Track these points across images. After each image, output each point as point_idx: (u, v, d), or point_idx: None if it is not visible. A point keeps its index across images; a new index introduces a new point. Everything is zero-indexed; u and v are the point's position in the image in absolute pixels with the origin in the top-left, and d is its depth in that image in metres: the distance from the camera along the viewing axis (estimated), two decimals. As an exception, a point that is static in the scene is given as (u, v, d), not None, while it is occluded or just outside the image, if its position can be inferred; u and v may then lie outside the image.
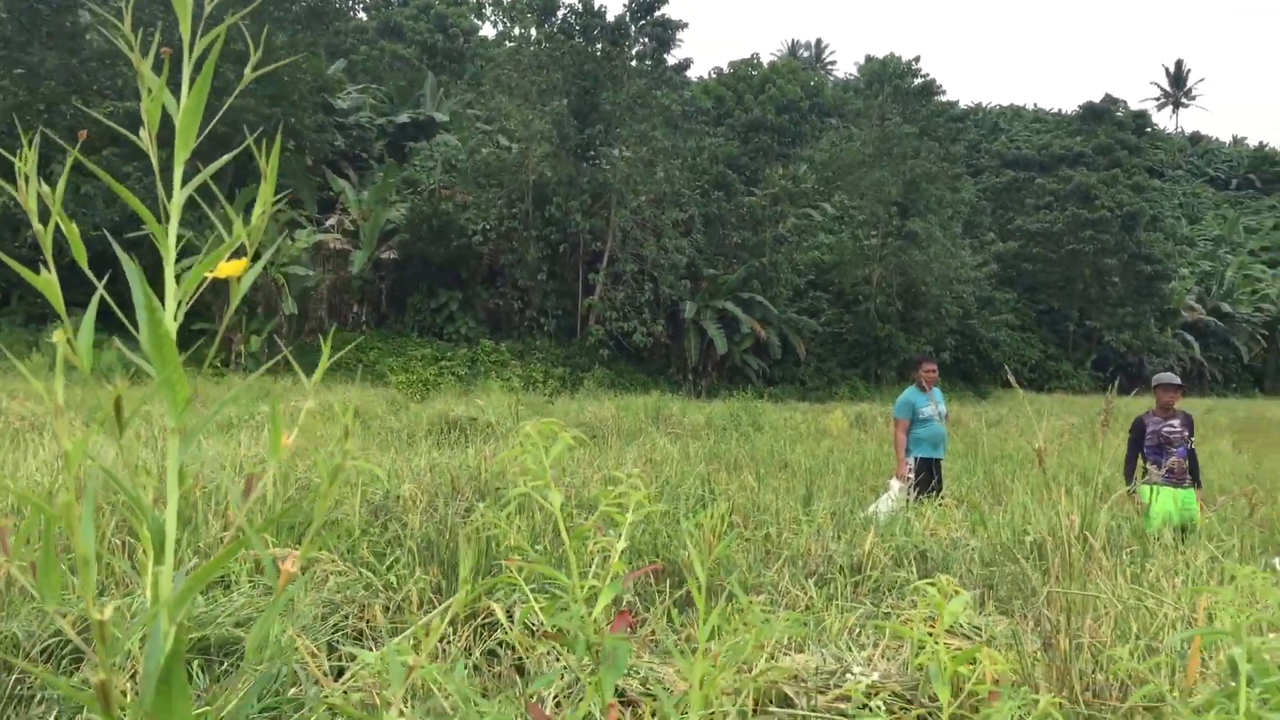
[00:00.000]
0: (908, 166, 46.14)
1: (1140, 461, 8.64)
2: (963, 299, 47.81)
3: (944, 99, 60.37)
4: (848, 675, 3.33)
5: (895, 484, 9.73)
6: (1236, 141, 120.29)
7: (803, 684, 3.28)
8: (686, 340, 40.82)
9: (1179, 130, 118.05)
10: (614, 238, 39.57)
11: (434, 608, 4.46)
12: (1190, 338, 60.05)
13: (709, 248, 43.47)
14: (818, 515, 7.26)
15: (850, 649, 3.67)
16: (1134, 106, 73.68)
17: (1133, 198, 56.25)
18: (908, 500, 9.19)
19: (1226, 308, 62.70)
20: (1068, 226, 54.51)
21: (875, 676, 3.25)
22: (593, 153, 40.73)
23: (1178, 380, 8.62)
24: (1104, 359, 57.16)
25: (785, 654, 3.81)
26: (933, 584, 1.76)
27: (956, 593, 1.74)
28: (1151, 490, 8.28)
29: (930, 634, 3.21)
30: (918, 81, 57.54)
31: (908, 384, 10.51)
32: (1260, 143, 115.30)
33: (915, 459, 10.00)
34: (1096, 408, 32.62)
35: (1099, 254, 54.69)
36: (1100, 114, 65.30)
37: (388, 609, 4.40)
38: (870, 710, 2.16)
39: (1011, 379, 4.70)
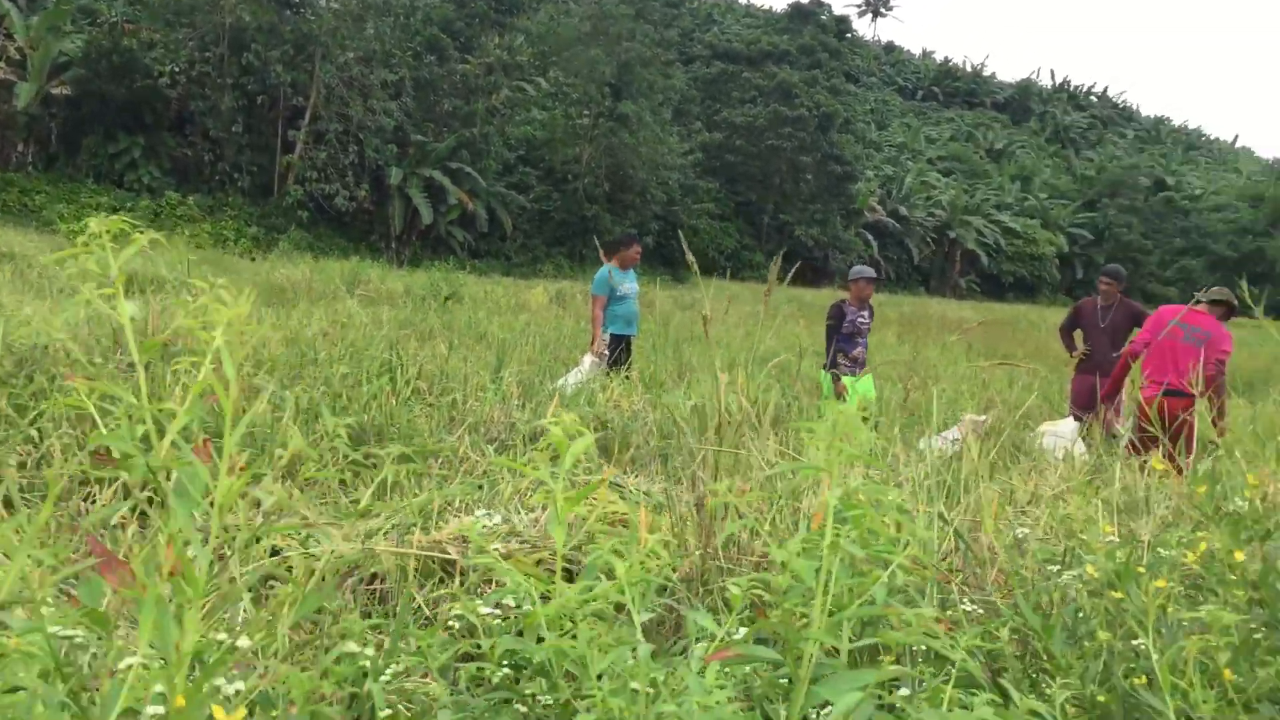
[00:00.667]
0: (622, 48, 46.26)
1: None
2: (668, 185, 48.95)
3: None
4: (511, 536, 3.36)
5: (588, 358, 9.87)
6: (926, 54, 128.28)
7: (466, 544, 3.28)
8: (391, 207, 39.71)
9: (876, 38, 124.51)
10: (318, 94, 37.59)
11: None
12: (870, 237, 64.30)
13: (419, 113, 42.14)
14: (506, 384, 7.28)
15: (519, 511, 3.71)
16: (838, 11, 76.81)
17: (829, 100, 59.02)
18: (604, 374, 9.37)
19: (904, 211, 67.47)
20: (769, 122, 56.59)
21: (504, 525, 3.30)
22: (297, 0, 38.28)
23: (874, 273, 9.11)
24: (794, 252, 60.29)
25: (455, 516, 3.80)
26: (556, 423, 1.74)
27: (580, 434, 1.73)
28: (833, 377, 8.80)
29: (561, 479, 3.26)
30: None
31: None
32: (946, 57, 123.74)
33: (609, 335, 10.18)
34: (785, 296, 34.56)
35: (796, 151, 57.22)
36: (807, 14, 67.65)
37: (24, 464, 4.05)
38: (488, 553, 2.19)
39: (691, 261, 4.81)
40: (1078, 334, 9.60)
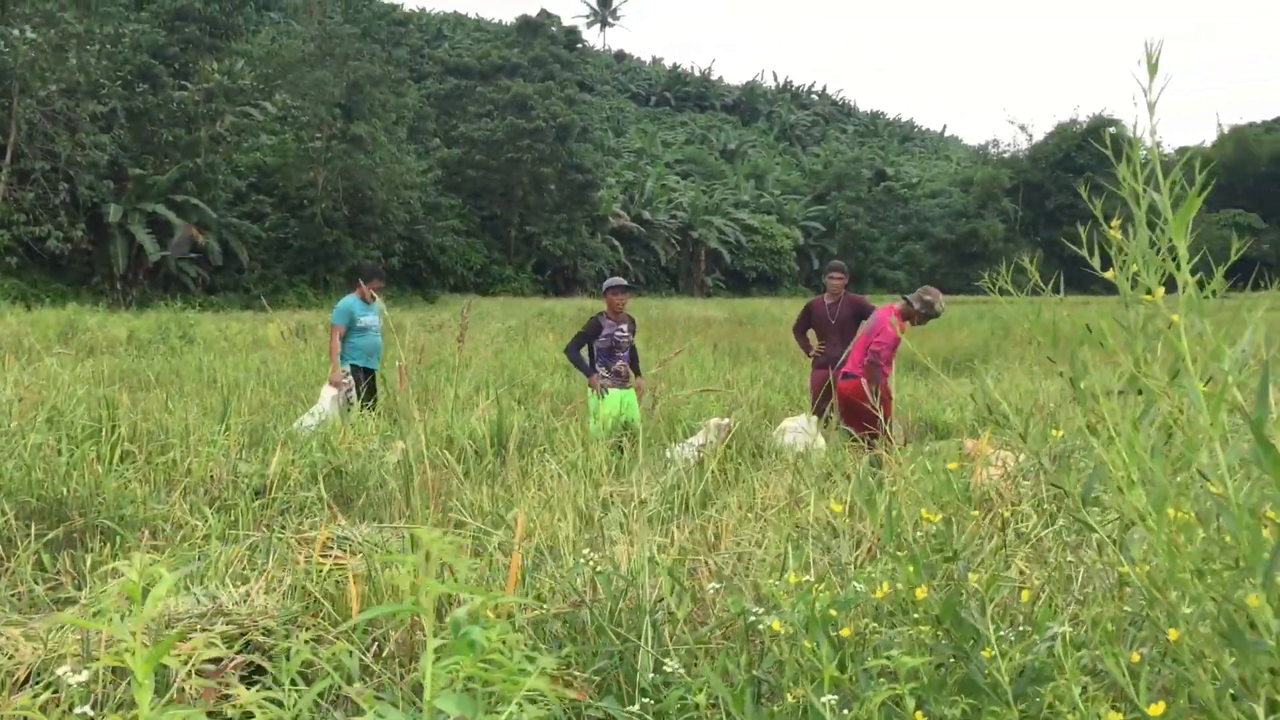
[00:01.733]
0: (350, 68, 45.12)
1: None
2: (410, 205, 48.09)
3: (386, 1, 59.50)
4: (219, 617, 3.08)
5: (327, 392, 9.44)
6: (655, 61, 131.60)
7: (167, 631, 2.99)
8: (112, 247, 37.22)
9: (606, 48, 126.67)
10: (18, 131, 34.78)
11: None
12: (617, 242, 65.31)
13: (135, 145, 39.68)
14: (232, 434, 6.85)
15: (228, 585, 3.42)
16: (566, 23, 77.55)
17: (565, 110, 59.55)
18: (347, 409, 8.97)
19: (647, 215, 68.91)
20: (507, 135, 56.54)
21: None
22: (-14, 32, 35.31)
23: (626, 283, 9.02)
24: (543, 262, 60.51)
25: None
26: (130, 566, 1.54)
27: (160, 577, 1.52)
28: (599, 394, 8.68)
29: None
30: (358, -20, 56.14)
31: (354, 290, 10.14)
32: (675, 63, 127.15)
33: (349, 367, 9.80)
34: (536, 309, 34.44)
35: (536, 163, 57.42)
36: (536, 27, 67.98)
37: None
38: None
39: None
40: (811, 332, 9.92)
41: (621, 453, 7.25)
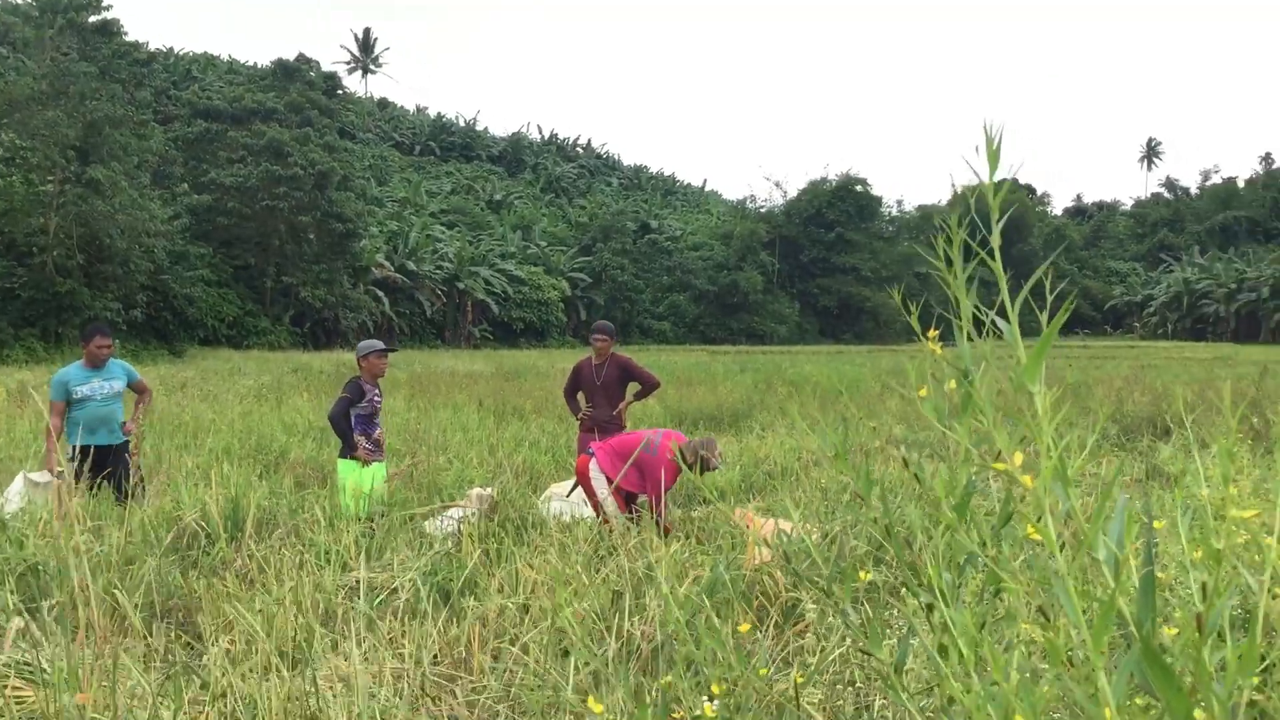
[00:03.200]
0: (88, 108, 42.18)
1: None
2: (154, 253, 45.24)
3: (128, 39, 56.22)
4: None
5: (18, 481, 8.27)
6: (420, 110, 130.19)
7: None
8: None
9: (369, 95, 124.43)
10: None
11: None
12: (381, 293, 63.65)
13: None
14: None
15: None
16: (326, 68, 75.63)
17: (325, 157, 57.75)
18: (79, 489, 7.85)
19: (412, 265, 67.54)
20: (262, 182, 54.27)
21: None
22: None
23: (384, 345, 8.21)
24: (302, 314, 58.21)
25: None
26: None
27: None
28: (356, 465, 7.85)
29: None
30: (96, 18, 52.79)
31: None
32: (439, 113, 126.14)
33: (75, 447, 8.64)
34: (293, 363, 32.86)
35: (294, 211, 55.32)
36: (293, 72, 65.95)
37: None
38: None
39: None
40: (580, 394, 9.58)
41: (373, 533, 6.62)
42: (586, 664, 3.59)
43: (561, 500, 8.05)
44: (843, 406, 16.06)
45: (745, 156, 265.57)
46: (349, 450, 7.65)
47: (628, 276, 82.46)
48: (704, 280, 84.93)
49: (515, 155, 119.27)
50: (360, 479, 7.58)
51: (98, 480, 8.10)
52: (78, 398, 8.53)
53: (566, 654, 3.96)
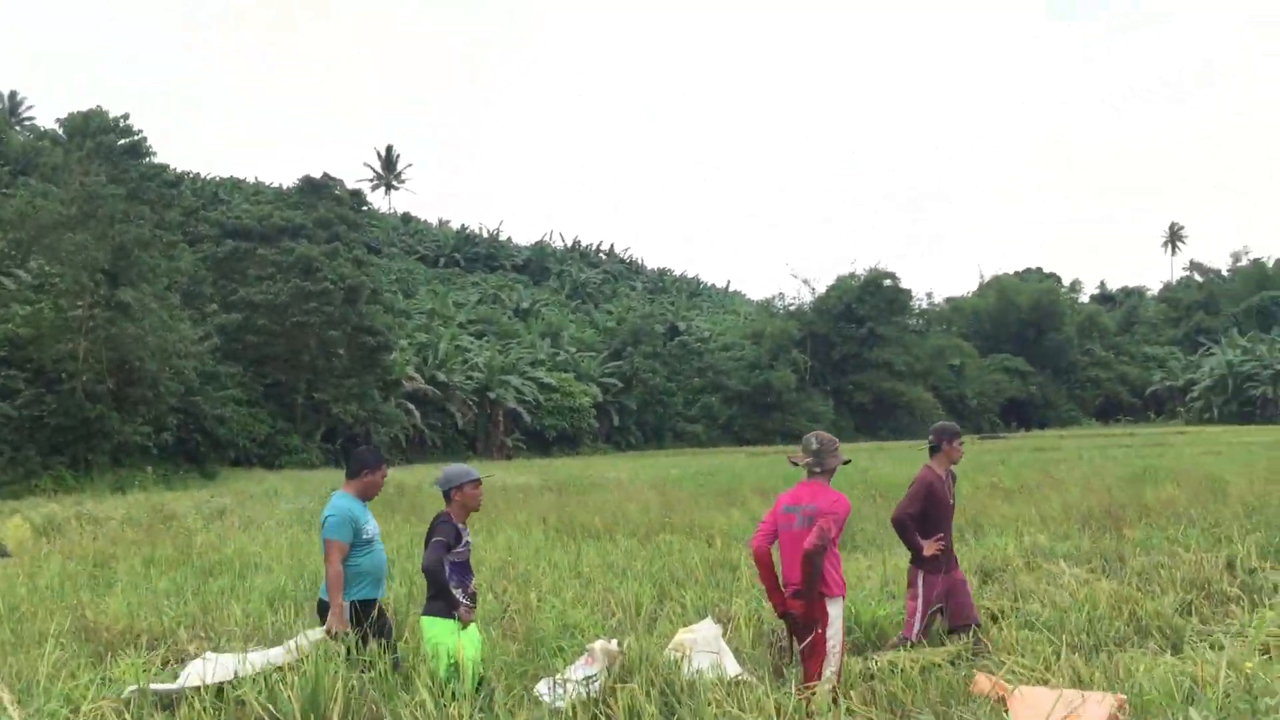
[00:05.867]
0: (116, 230, 41.73)
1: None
2: (184, 374, 44.38)
3: (155, 160, 56.35)
4: None
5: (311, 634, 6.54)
6: (442, 223, 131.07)
7: None
8: None
9: (392, 210, 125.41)
10: None
11: None
12: (412, 406, 62.65)
13: None
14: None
15: None
16: (350, 185, 75.91)
17: (354, 271, 57.31)
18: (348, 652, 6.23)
19: (442, 376, 66.65)
20: (292, 298, 53.70)
21: None
22: None
23: (476, 473, 6.58)
24: (333, 430, 57.14)
25: None
26: None
27: None
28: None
29: None
30: (125, 140, 52.97)
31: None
32: (463, 224, 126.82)
33: (350, 602, 6.45)
34: (330, 484, 31.38)
35: (324, 326, 54.64)
36: (319, 189, 66.02)
37: None
38: None
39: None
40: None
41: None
42: None
43: (703, 652, 6.59)
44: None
45: (768, 255, 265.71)
46: (449, 608, 6.01)
47: (659, 380, 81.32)
48: (736, 380, 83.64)
49: (539, 263, 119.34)
50: (462, 642, 6.04)
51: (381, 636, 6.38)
52: (365, 537, 6.60)
53: None
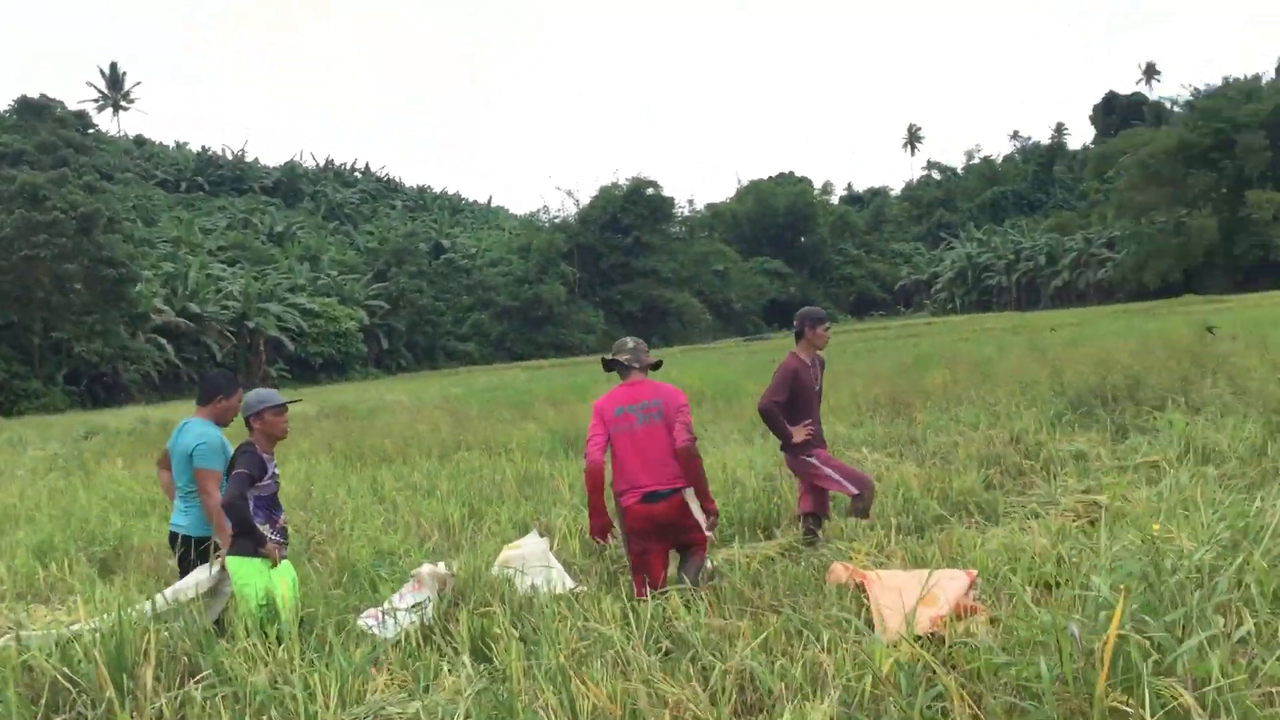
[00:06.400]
0: None
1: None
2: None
3: None
4: None
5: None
6: (180, 146, 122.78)
7: None
8: None
9: (122, 133, 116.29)
10: None
11: None
12: (163, 341, 58.94)
13: None
14: None
15: None
16: (72, 106, 69.67)
17: (86, 199, 52.92)
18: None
19: (195, 308, 62.92)
20: (17, 230, 49.13)
21: None
22: None
23: (281, 397, 5.89)
24: (77, 371, 53.14)
25: None
26: None
27: None
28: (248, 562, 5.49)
29: None
30: None
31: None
32: (204, 146, 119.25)
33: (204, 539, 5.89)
34: (85, 426, 28.99)
35: (57, 259, 50.33)
36: (39, 110, 60.51)
37: None
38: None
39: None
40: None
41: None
42: None
43: (534, 568, 6.27)
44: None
45: (529, 169, 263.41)
46: (254, 546, 5.36)
47: (427, 299, 79.66)
48: (506, 296, 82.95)
49: (291, 184, 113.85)
50: (270, 581, 5.40)
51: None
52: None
53: None
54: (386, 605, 5.70)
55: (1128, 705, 3.06)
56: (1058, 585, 4.46)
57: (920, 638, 3.98)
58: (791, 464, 6.99)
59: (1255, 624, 3.41)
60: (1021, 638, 3.67)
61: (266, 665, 4.48)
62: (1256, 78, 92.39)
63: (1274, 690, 3.12)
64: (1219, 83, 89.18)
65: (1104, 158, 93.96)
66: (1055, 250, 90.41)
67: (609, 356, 6.09)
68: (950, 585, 4.56)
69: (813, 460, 6.80)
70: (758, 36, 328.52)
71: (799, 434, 6.76)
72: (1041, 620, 3.56)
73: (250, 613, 5.16)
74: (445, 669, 4.49)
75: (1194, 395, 10.45)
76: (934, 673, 3.53)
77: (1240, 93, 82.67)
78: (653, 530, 5.62)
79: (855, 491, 6.67)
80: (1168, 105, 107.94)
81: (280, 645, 4.69)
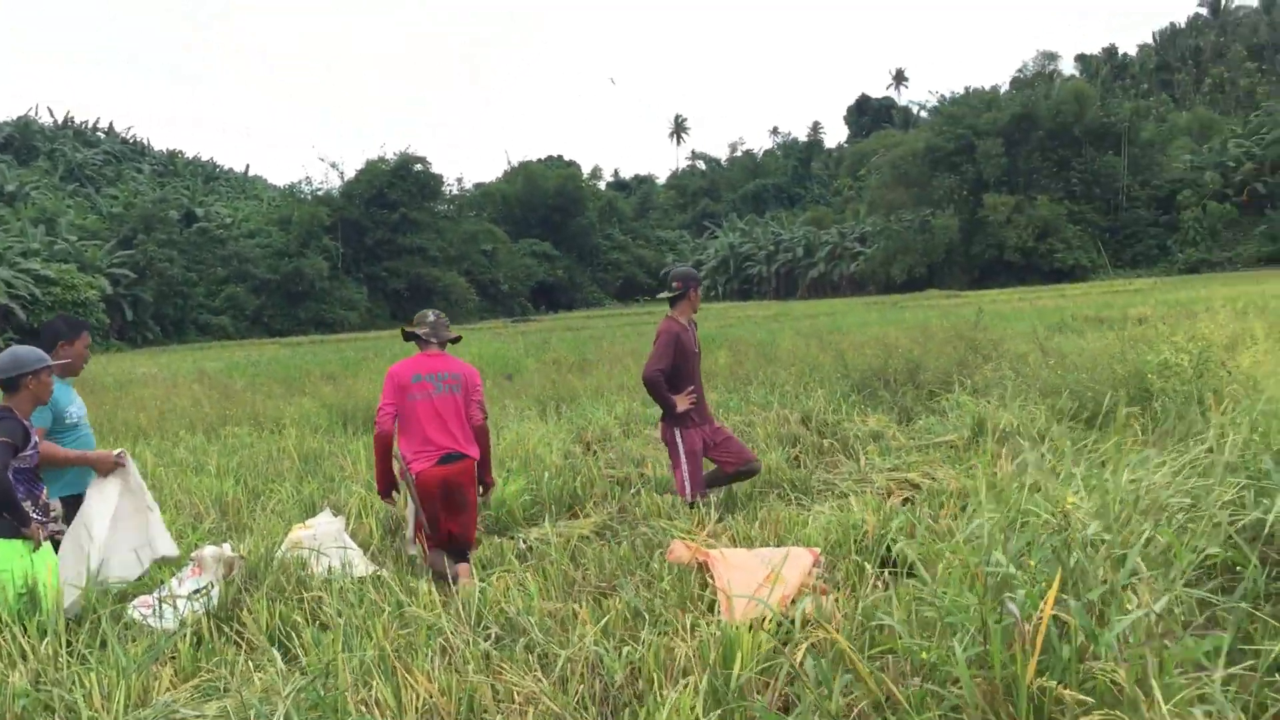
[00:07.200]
0: None
1: None
2: None
3: None
4: None
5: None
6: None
7: None
8: None
9: None
10: None
11: None
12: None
13: None
14: None
15: None
16: None
17: None
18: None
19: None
20: None
21: None
22: None
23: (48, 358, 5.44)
24: None
25: None
26: None
27: None
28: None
29: None
30: None
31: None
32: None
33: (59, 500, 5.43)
34: None
35: None
36: None
37: None
38: None
39: None
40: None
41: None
42: None
43: (330, 549, 6.05)
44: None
45: (290, 139, 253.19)
46: (16, 526, 4.82)
47: (177, 269, 75.29)
48: (264, 269, 79.52)
49: (25, 141, 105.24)
50: (31, 566, 4.96)
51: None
52: (71, 423, 5.52)
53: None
54: (163, 591, 5.35)
55: (1063, 690, 2.92)
56: (915, 564, 4.22)
57: (782, 623, 3.90)
58: (665, 435, 6.83)
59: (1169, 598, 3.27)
60: (925, 618, 3.55)
61: (28, 662, 4.14)
62: (995, 88, 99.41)
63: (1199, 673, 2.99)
64: (961, 90, 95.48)
65: (858, 157, 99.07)
66: (812, 243, 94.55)
67: (408, 328, 6.13)
68: (794, 563, 4.60)
69: (679, 443, 6.67)
70: (529, 17, 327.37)
71: (683, 402, 6.61)
72: (962, 600, 3.38)
73: (7, 602, 4.72)
74: (246, 664, 4.22)
75: (975, 379, 10.97)
76: (851, 663, 3.34)
77: (981, 101, 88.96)
78: (440, 493, 5.72)
79: (689, 501, 6.59)
80: (914, 110, 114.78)
81: (44, 639, 4.33)
